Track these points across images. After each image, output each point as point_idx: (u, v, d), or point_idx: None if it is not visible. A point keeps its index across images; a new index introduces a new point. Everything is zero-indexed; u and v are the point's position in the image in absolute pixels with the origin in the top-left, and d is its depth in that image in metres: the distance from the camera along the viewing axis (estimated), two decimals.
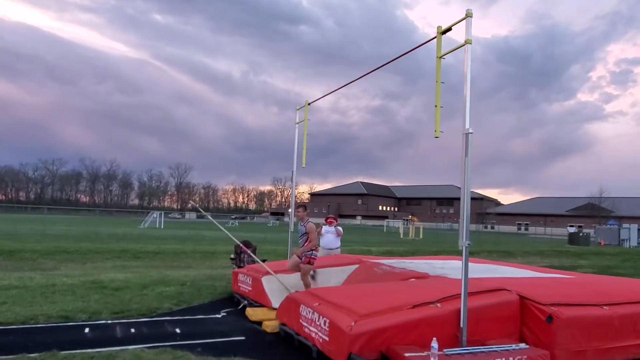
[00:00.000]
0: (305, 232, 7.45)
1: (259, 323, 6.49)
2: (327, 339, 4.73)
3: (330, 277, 7.97)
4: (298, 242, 7.69)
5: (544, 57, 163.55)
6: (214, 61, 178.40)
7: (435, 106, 5.02)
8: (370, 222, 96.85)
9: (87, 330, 5.91)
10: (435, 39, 5.22)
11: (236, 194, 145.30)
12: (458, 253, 16.28)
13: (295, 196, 9.99)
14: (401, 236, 41.65)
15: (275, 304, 6.74)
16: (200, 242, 21.59)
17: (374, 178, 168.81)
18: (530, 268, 9.26)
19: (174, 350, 5.09)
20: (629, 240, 39.30)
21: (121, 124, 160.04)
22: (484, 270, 7.75)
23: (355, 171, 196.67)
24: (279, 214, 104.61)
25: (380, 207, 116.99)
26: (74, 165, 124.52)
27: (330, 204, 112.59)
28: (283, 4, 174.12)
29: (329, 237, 10.36)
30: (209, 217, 11.27)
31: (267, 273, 7.56)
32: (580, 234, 39.61)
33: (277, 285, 7.41)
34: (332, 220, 10.52)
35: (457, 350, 4.47)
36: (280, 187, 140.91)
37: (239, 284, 8.15)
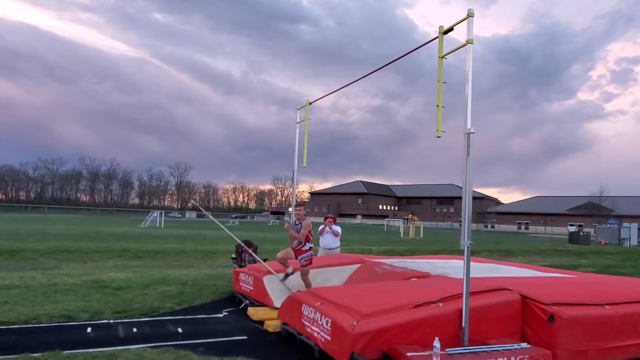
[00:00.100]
0: (300, 228, 7.23)
1: (261, 322, 6.50)
2: (329, 338, 4.74)
3: (332, 277, 7.97)
4: (293, 242, 7.38)
5: (544, 56, 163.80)
6: (214, 60, 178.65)
7: (437, 106, 5.02)
8: (370, 222, 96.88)
9: (89, 329, 5.91)
10: (437, 39, 5.22)
11: (236, 193, 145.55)
12: (459, 252, 16.26)
13: (296, 196, 9.99)
14: (401, 235, 41.65)
15: (277, 303, 6.75)
16: (200, 241, 21.59)
17: (374, 177, 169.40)
18: (531, 267, 9.27)
19: (177, 349, 5.10)
20: (629, 240, 39.29)
21: (121, 123, 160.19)
22: (485, 269, 7.76)
23: (356, 170, 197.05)
24: (279, 213, 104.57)
25: (380, 207, 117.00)
26: (74, 165, 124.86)
27: (331, 203, 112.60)
28: (283, 3, 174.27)
29: (328, 237, 10.35)
30: (210, 216, 11.27)
31: (269, 273, 7.57)
32: (581, 233, 39.60)
33: (279, 285, 7.42)
34: (331, 220, 10.51)
35: (459, 349, 4.48)
36: (281, 186, 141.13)
37: (240, 284, 8.16)
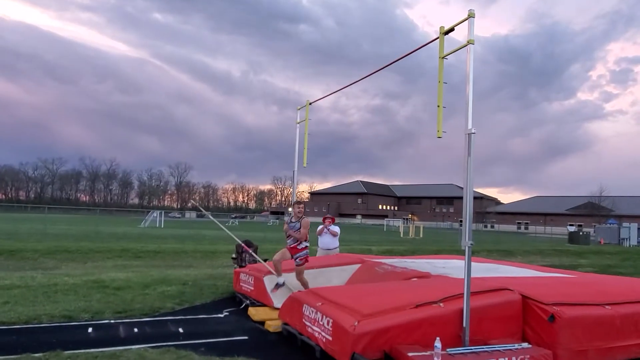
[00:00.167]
0: (300, 227, 7.10)
1: (262, 323, 6.50)
2: (330, 338, 4.75)
3: (332, 277, 7.98)
4: (288, 241, 7.24)
5: (544, 56, 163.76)
6: (214, 60, 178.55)
7: (438, 106, 5.03)
8: (370, 221, 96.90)
9: (90, 330, 5.92)
10: (438, 40, 5.23)
11: (236, 193, 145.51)
12: (458, 252, 16.23)
13: (296, 196, 9.99)
14: (401, 235, 41.67)
15: (277, 303, 6.75)
16: (200, 241, 21.59)
17: (374, 177, 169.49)
18: (532, 267, 9.28)
19: (178, 349, 5.11)
20: (629, 239, 39.32)
21: (121, 123, 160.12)
22: (486, 269, 7.77)
23: (355, 170, 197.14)
24: (279, 213, 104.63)
25: (380, 206, 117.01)
26: (73, 165, 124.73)
27: (330, 203, 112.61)
28: (283, 3, 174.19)
29: (327, 237, 10.34)
30: (210, 216, 11.28)
31: (269, 273, 7.57)
32: (580, 233, 39.62)
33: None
34: (330, 221, 10.51)
35: (460, 349, 4.48)
36: (280, 186, 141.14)
37: (241, 284, 8.16)
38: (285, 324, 5.88)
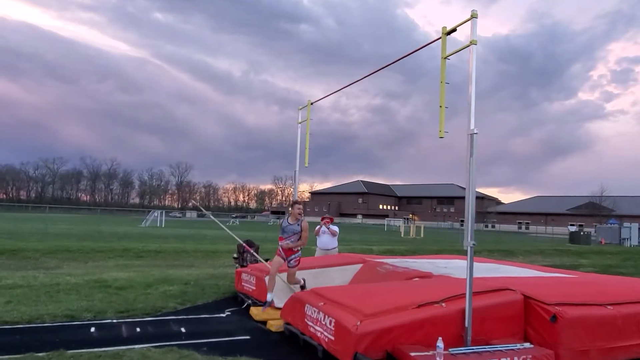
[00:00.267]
0: (300, 231, 6.87)
1: (264, 322, 6.52)
2: (332, 338, 4.76)
3: (334, 277, 7.99)
4: (283, 243, 6.94)
5: (545, 56, 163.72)
6: (215, 60, 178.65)
7: (440, 107, 5.04)
8: (370, 221, 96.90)
9: (92, 329, 5.93)
10: (440, 40, 5.23)
11: (237, 193, 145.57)
12: (460, 252, 16.20)
13: (297, 195, 9.99)
14: (402, 235, 41.66)
15: (279, 303, 6.76)
16: (201, 241, 21.61)
17: (374, 177, 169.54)
18: (533, 267, 9.29)
19: (180, 349, 5.12)
20: (630, 239, 39.30)
21: (122, 122, 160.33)
22: (487, 269, 7.78)
23: (356, 170, 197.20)
24: (279, 212, 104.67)
25: (380, 206, 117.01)
26: (74, 164, 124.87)
27: (331, 203, 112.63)
28: (284, 3, 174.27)
29: (325, 237, 10.34)
30: (211, 216, 11.29)
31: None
32: (581, 233, 39.60)
33: (281, 285, 7.42)
34: (328, 221, 10.50)
35: (463, 349, 4.49)
36: (281, 185, 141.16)
37: (242, 284, 8.17)
38: (288, 323, 5.89)
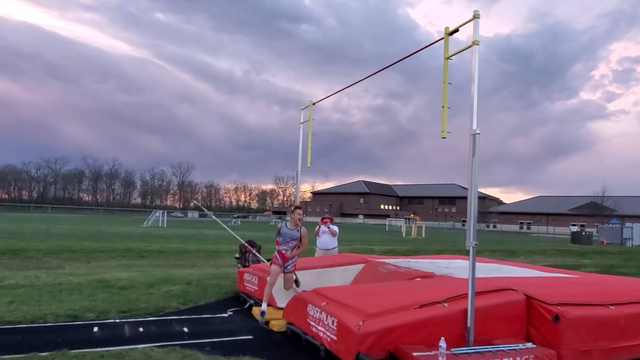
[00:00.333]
0: (300, 237, 6.78)
1: (266, 322, 6.52)
2: (335, 338, 4.77)
3: (336, 277, 7.99)
4: (281, 247, 6.79)
5: (547, 55, 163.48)
6: (216, 60, 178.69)
7: (443, 107, 5.04)
8: (372, 221, 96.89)
9: (95, 329, 5.95)
10: (443, 40, 5.24)
11: (238, 193, 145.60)
12: (461, 252, 16.18)
13: (299, 195, 10.00)
14: (403, 235, 41.66)
15: (281, 303, 6.77)
16: (203, 241, 21.64)
17: (375, 177, 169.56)
18: (535, 267, 9.28)
19: (183, 349, 5.13)
20: (632, 240, 39.24)
21: (123, 122, 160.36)
22: (489, 269, 7.78)
23: (357, 170, 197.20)
24: (281, 212, 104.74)
25: (382, 206, 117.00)
26: (76, 164, 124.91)
27: (332, 203, 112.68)
28: (285, 2, 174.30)
29: (325, 237, 10.36)
30: (213, 216, 11.32)
31: None
32: (583, 233, 39.54)
33: (282, 284, 7.43)
34: (328, 221, 10.52)
35: (465, 349, 4.49)
36: (283, 185, 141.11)
37: (244, 284, 8.19)
38: (290, 323, 5.90)
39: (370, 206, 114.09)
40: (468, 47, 4.89)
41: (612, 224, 51.26)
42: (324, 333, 4.98)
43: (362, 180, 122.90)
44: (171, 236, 24.95)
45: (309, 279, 7.54)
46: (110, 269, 12.04)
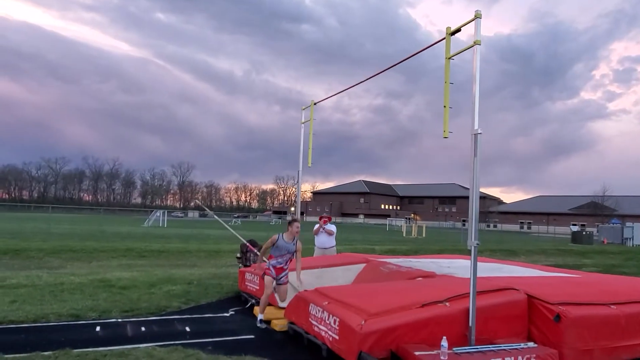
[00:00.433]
0: (295, 250, 6.71)
1: (267, 322, 6.54)
2: (337, 337, 4.78)
3: (338, 276, 8.00)
4: (275, 261, 6.65)
5: (547, 55, 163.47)
6: (216, 60, 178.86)
7: (444, 107, 5.05)
8: (372, 221, 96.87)
9: (98, 328, 5.96)
10: (444, 40, 5.25)
11: (238, 193, 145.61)
12: (461, 252, 16.20)
13: (300, 195, 10.01)
14: (404, 235, 41.67)
15: (283, 303, 6.78)
16: (204, 241, 21.65)
17: (376, 177, 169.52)
18: (536, 267, 9.29)
19: (185, 348, 5.15)
20: (632, 239, 39.24)
21: (124, 122, 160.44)
22: (490, 269, 7.78)
23: (358, 170, 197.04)
24: (281, 212, 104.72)
25: (382, 206, 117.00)
26: (77, 164, 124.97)
27: (333, 203, 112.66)
28: (285, 2, 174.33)
29: (323, 236, 10.38)
30: (215, 216, 11.32)
31: None
32: (583, 233, 39.54)
33: None
34: (326, 220, 10.54)
35: (467, 349, 4.50)
36: (283, 185, 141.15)
37: (246, 283, 8.20)
38: (292, 323, 5.91)
39: (371, 206, 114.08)
40: (470, 47, 4.89)
41: (613, 223, 51.22)
42: (326, 332, 5.00)
43: (363, 180, 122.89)
44: (172, 236, 24.97)
45: (310, 279, 7.55)
46: (111, 268, 12.06)
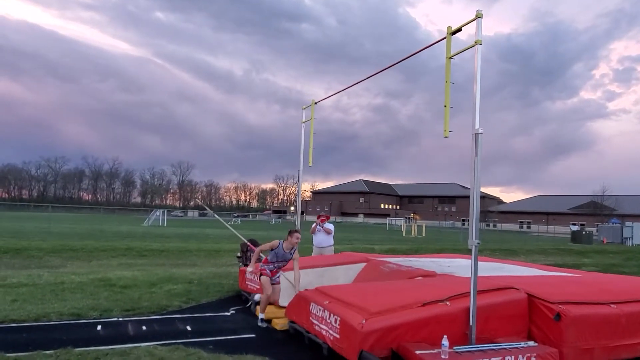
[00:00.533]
0: (291, 259, 6.78)
1: (268, 321, 6.55)
2: (338, 336, 4.79)
3: (338, 275, 8.02)
4: (273, 265, 6.75)
5: (547, 55, 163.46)
6: (216, 59, 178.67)
7: (445, 106, 5.06)
8: (372, 220, 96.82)
9: (99, 327, 5.97)
10: (445, 40, 5.26)
11: (238, 192, 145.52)
12: (461, 251, 16.26)
13: (299, 195, 10.01)
14: (403, 234, 41.68)
15: (283, 302, 6.80)
16: (204, 240, 21.66)
17: (376, 176, 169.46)
18: (536, 266, 9.31)
19: (186, 347, 5.16)
20: (632, 239, 39.27)
21: (123, 122, 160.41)
22: (490, 268, 7.80)
23: (357, 169, 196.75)
24: (281, 212, 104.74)
25: (382, 205, 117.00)
26: (76, 164, 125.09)
27: (332, 202, 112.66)
28: (285, 2, 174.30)
29: (321, 235, 10.40)
30: (215, 215, 11.34)
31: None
32: (583, 232, 39.55)
33: (285, 284, 7.45)
34: (324, 219, 10.55)
35: (467, 347, 4.52)
36: (283, 185, 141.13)
37: (246, 282, 8.21)
38: (292, 322, 5.92)
39: (371, 205, 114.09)
40: (471, 47, 4.90)
41: (612, 223, 51.30)
42: (326, 331, 5.01)
43: (362, 180, 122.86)
44: (172, 235, 24.96)
45: (311, 278, 7.57)
46: (111, 267, 12.08)
